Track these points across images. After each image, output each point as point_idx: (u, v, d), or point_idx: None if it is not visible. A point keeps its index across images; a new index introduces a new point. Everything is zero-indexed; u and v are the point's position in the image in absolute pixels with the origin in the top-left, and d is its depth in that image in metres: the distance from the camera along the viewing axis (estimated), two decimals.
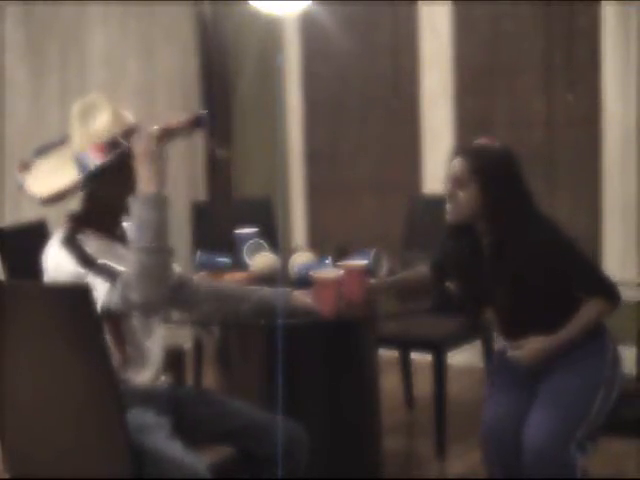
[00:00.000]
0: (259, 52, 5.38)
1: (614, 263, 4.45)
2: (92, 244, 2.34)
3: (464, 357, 4.40)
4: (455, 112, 4.99)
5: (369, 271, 2.97)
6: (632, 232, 4.48)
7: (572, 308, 2.66)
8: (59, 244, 2.33)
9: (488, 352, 3.97)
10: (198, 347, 4.28)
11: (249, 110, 5.55)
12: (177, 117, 2.40)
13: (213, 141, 5.50)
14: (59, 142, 2.43)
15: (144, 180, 2.28)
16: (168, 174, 2.38)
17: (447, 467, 3.69)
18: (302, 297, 2.75)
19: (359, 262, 2.96)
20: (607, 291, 2.68)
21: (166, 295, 2.30)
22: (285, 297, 2.72)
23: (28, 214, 4.09)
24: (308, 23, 5.24)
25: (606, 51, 4.51)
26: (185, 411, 2.51)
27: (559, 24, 4.69)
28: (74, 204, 2.43)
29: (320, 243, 4.92)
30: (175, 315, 2.81)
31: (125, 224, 2.46)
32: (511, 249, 2.68)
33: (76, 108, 2.38)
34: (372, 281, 2.98)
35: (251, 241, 3.48)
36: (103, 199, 2.39)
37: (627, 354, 3.34)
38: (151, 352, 2.47)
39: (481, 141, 2.77)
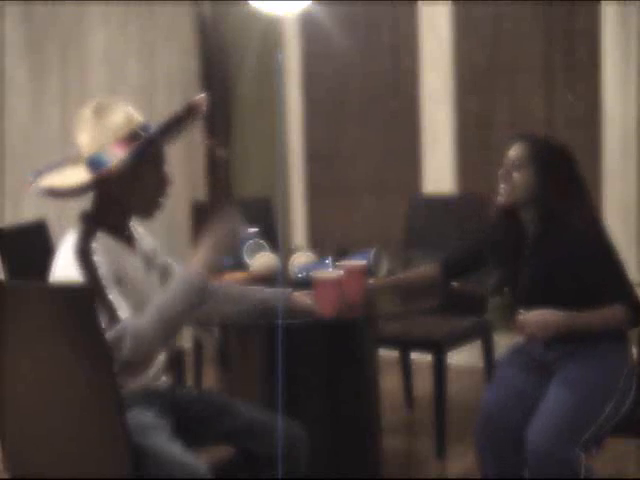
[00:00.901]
0: (259, 52, 5.38)
1: None
2: (105, 261, 2.26)
3: (464, 357, 4.40)
4: (455, 112, 4.99)
5: (369, 271, 2.97)
6: (632, 232, 4.48)
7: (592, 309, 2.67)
8: (72, 255, 2.26)
9: (488, 352, 3.97)
10: (198, 347, 4.28)
11: (249, 110, 5.55)
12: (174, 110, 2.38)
13: (213, 141, 5.50)
14: (61, 162, 2.40)
15: (202, 261, 2.26)
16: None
17: (447, 467, 3.69)
18: (302, 298, 2.75)
19: (359, 262, 2.96)
20: (631, 304, 2.67)
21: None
22: (285, 298, 2.72)
23: (28, 214, 4.10)
24: (308, 23, 5.25)
25: (606, 51, 4.51)
26: (185, 411, 2.50)
27: (559, 24, 4.69)
28: (73, 204, 2.42)
29: (320, 243, 4.91)
30: None
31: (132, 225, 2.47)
32: (555, 237, 2.70)
33: (88, 110, 2.35)
34: (372, 281, 2.98)
35: (251, 241, 3.48)
36: (115, 197, 2.37)
37: None
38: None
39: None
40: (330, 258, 3.22)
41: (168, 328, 2.23)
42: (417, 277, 3.08)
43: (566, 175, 2.75)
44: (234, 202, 5.23)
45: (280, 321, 2.66)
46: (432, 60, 4.99)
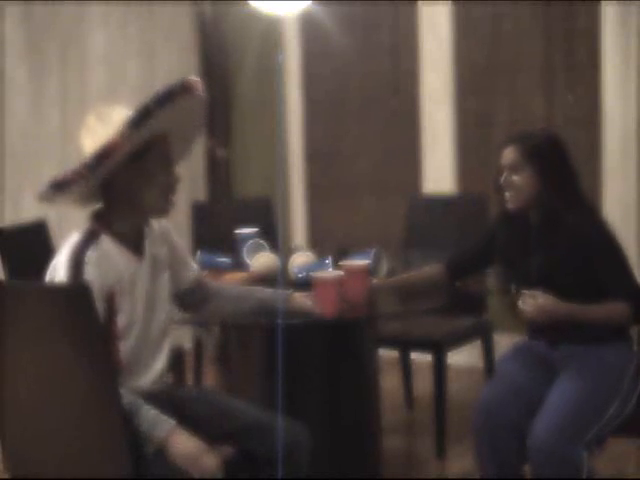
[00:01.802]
0: (259, 52, 5.38)
1: None
2: (93, 272, 2.26)
3: (464, 357, 4.40)
4: (455, 112, 4.99)
5: (369, 271, 2.97)
6: (632, 232, 4.48)
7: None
8: (65, 259, 2.28)
9: (488, 352, 3.97)
10: (198, 347, 4.28)
11: (249, 110, 5.56)
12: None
13: (213, 141, 5.50)
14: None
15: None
16: None
17: (447, 467, 3.69)
18: (302, 299, 2.75)
19: (359, 262, 2.96)
20: (635, 301, 2.67)
21: None
22: (285, 299, 2.72)
23: (28, 214, 4.10)
24: (308, 23, 5.25)
25: (606, 51, 4.51)
26: (185, 411, 2.50)
27: (559, 24, 4.69)
28: (73, 206, 2.42)
29: (320, 243, 4.91)
30: (176, 315, 2.81)
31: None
32: (560, 232, 2.71)
33: (91, 117, 2.36)
34: (372, 281, 2.98)
35: (251, 241, 3.48)
36: (126, 195, 2.37)
37: None
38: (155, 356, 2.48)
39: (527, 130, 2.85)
40: (330, 258, 3.22)
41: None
42: (421, 277, 3.09)
43: (563, 165, 2.76)
44: (234, 202, 5.24)
45: (280, 321, 2.66)
46: (432, 60, 4.99)
